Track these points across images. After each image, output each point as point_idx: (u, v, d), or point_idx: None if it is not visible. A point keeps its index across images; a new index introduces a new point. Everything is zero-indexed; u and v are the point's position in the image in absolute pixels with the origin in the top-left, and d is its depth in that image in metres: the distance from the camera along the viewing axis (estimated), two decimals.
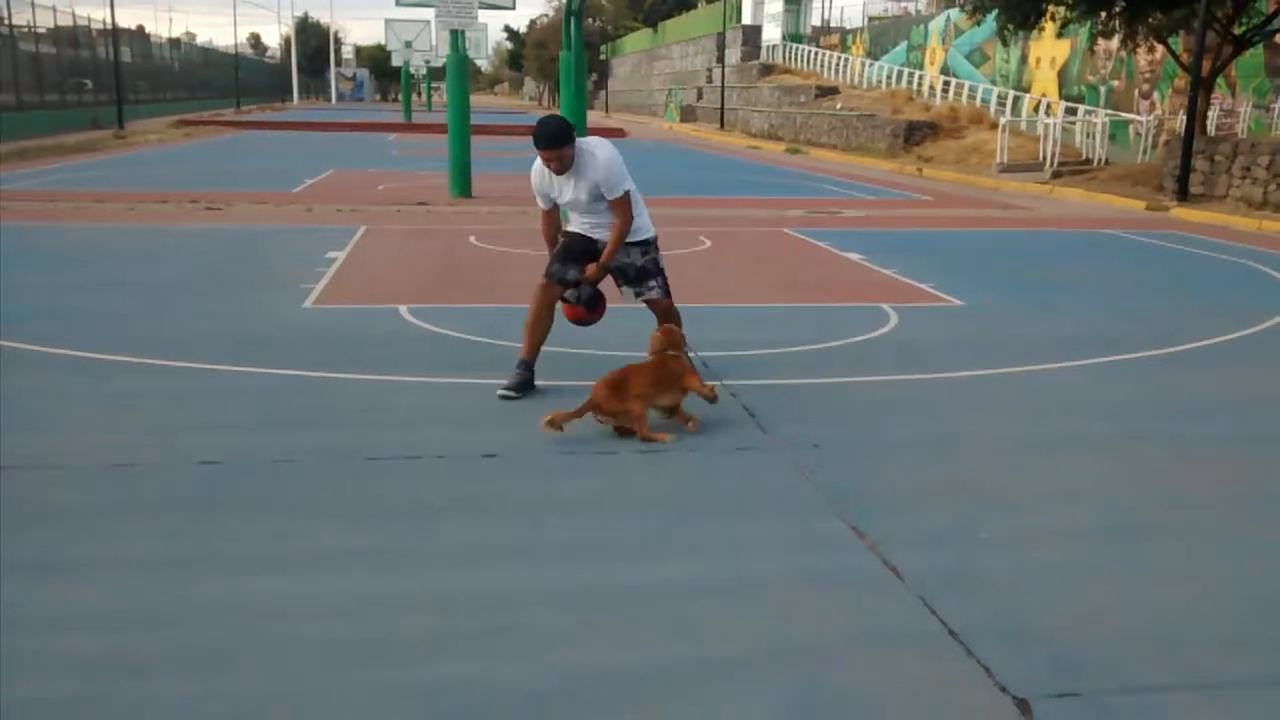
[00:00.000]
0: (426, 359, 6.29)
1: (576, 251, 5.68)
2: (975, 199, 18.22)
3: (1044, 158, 21.61)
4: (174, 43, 54.80)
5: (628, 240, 5.64)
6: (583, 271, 5.66)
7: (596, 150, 5.49)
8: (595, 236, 5.69)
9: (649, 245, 5.76)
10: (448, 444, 4.83)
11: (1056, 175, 20.73)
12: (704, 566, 3.67)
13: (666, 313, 5.78)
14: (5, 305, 7.45)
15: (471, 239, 11.08)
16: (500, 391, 5.52)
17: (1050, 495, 4.46)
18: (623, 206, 5.54)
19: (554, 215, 5.81)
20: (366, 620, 3.23)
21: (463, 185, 15.30)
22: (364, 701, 2.81)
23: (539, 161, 5.54)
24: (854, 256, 10.84)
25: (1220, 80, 18.80)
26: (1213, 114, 19.13)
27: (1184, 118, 17.20)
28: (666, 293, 5.80)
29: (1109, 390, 6.16)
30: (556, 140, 5.38)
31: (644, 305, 5.89)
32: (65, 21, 33.00)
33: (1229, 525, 4.19)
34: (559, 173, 5.48)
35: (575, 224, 5.77)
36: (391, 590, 3.43)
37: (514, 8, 16.52)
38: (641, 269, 5.73)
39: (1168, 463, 4.91)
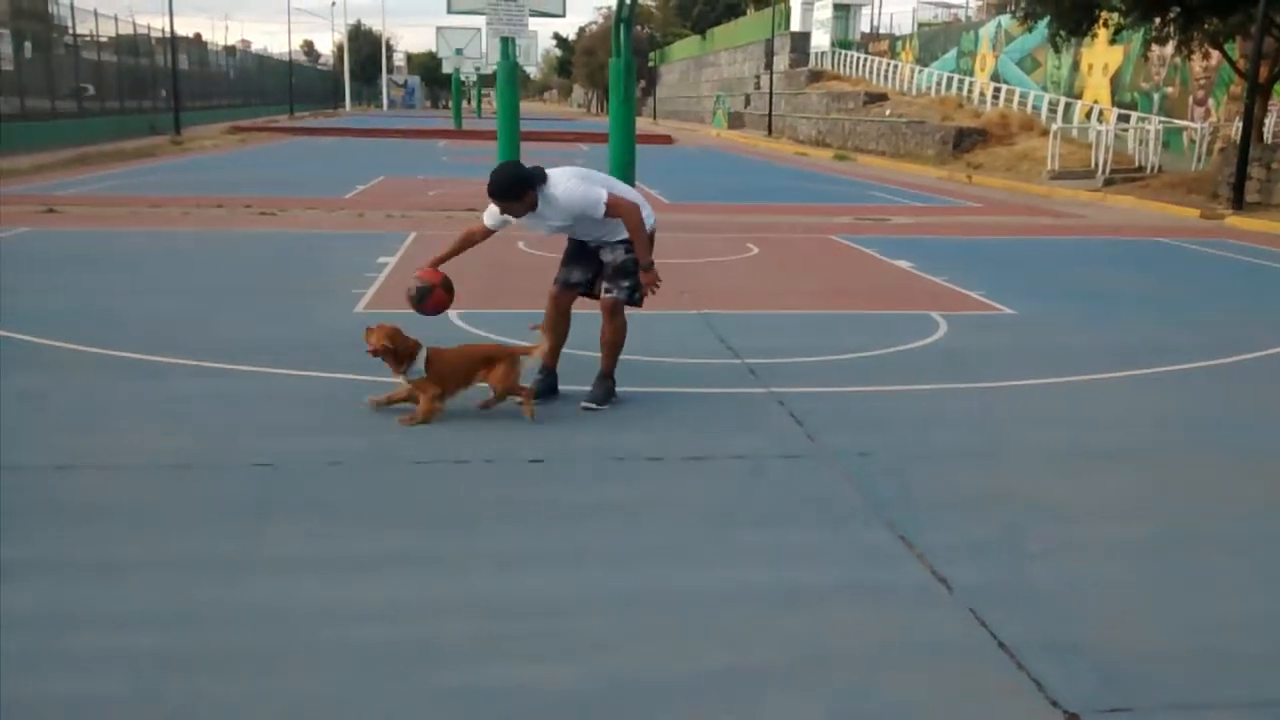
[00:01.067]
0: None
1: (577, 254, 5.61)
2: (1026, 206, 18.02)
3: (1096, 165, 21.33)
4: (230, 50, 55.73)
5: (610, 240, 5.47)
6: (586, 273, 5.56)
7: (555, 190, 5.24)
8: (593, 245, 5.55)
9: (630, 243, 5.45)
10: (495, 448, 4.87)
11: (1109, 183, 20.46)
12: (749, 574, 3.67)
13: (613, 315, 5.53)
14: (64, 307, 7.62)
15: (520, 245, 11.14)
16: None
17: (1101, 507, 4.40)
18: (615, 208, 5.28)
19: (487, 234, 5.56)
20: (411, 623, 3.26)
21: None
22: (407, 704, 2.84)
23: None
24: (903, 264, 10.77)
25: (1277, 87, 18.45)
26: (1270, 121, 18.79)
27: (1240, 124, 16.91)
28: (630, 299, 5.54)
29: (1161, 401, 6.07)
30: (508, 193, 5.21)
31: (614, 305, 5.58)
32: (126, 30, 33.69)
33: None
34: (519, 215, 5.32)
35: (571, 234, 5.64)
36: (436, 594, 3.46)
37: (564, 15, 16.65)
38: (619, 266, 5.49)
39: (1220, 475, 4.82)
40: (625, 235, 5.44)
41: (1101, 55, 25.54)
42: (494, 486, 4.44)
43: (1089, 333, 7.75)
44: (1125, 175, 20.91)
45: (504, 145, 15.57)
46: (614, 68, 13.58)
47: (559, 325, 5.66)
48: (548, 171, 5.34)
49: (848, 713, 2.85)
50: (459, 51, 43.51)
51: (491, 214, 5.46)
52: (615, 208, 5.29)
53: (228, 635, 3.16)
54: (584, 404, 5.48)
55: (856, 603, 3.48)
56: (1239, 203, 16.37)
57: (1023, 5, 20.63)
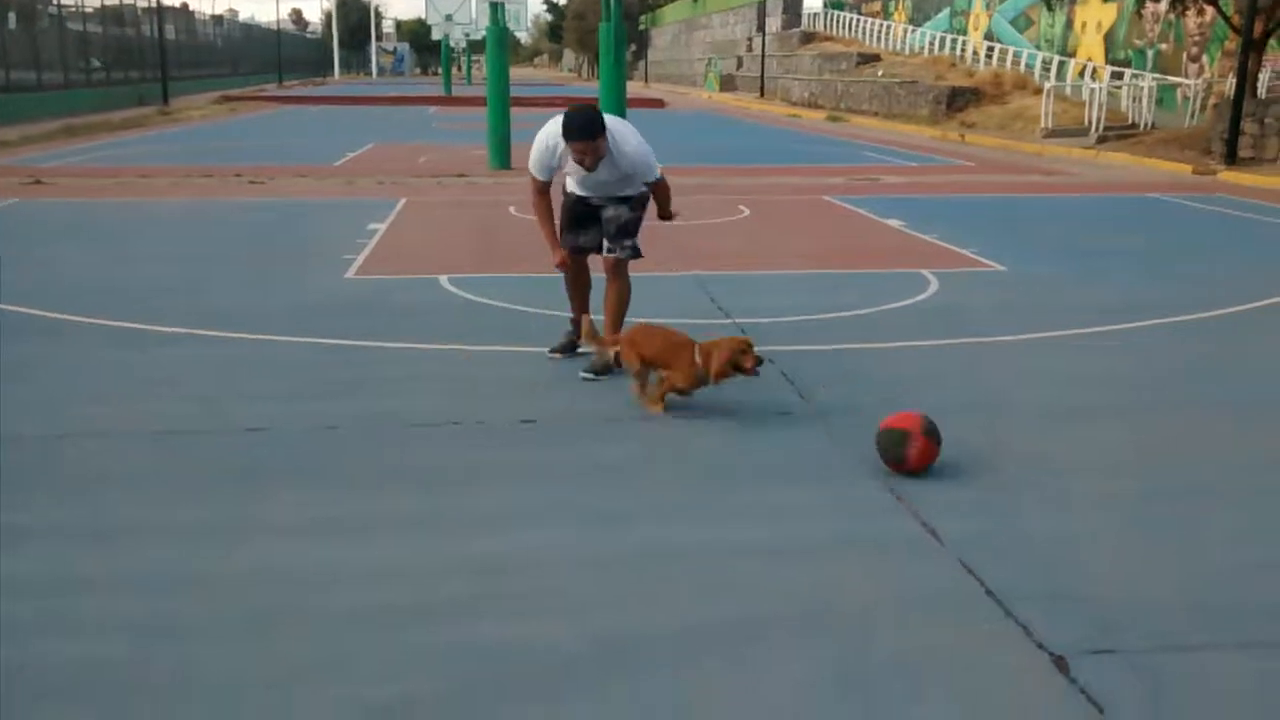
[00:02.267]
0: (467, 328, 6.34)
1: (581, 216, 5.49)
2: (1019, 165, 17.97)
3: (1089, 123, 21.23)
4: (217, 19, 55.11)
5: (618, 194, 5.39)
6: (592, 234, 5.47)
7: (625, 144, 5.19)
8: (596, 202, 5.44)
9: (637, 202, 5.46)
10: (488, 411, 4.88)
11: (1102, 140, 20.38)
12: (741, 530, 3.69)
13: (618, 274, 5.49)
14: (56, 278, 7.60)
15: (511, 209, 11.13)
16: (549, 353, 5.71)
17: (1092, 459, 4.42)
18: (661, 186, 5.39)
19: (549, 189, 5.46)
20: (405, 584, 3.28)
21: (502, 157, 15.32)
22: (401, 663, 2.86)
23: (550, 134, 5.21)
24: (894, 223, 10.75)
25: (1273, 42, 18.33)
26: (1264, 76, 18.67)
27: (1234, 80, 16.82)
28: (635, 255, 5.51)
29: (1153, 354, 6.08)
30: (591, 130, 5.04)
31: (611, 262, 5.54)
32: (112, 0, 33.34)
33: (1274, 488, 4.14)
34: (592, 167, 5.17)
35: (575, 187, 5.48)
36: (430, 555, 3.48)
37: None
38: (623, 225, 5.44)
39: (1213, 427, 4.85)
40: (632, 192, 5.40)
41: (1095, 12, 25.35)
42: (487, 448, 4.45)
43: (1081, 288, 7.75)
44: (1119, 132, 20.82)
45: (494, 111, 15.47)
46: (604, 32, 13.45)
47: (578, 286, 5.63)
48: (605, 119, 5.21)
49: (838, 662, 2.88)
50: (448, 17, 43.13)
51: (540, 166, 5.30)
52: (663, 185, 5.38)
53: (224, 599, 3.18)
54: (583, 374, 5.41)
55: (849, 556, 3.51)
56: (1232, 158, 16.31)
57: None
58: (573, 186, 5.53)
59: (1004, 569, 3.39)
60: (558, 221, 5.55)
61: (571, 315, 5.71)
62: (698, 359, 4.75)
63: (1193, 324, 6.73)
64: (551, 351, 5.72)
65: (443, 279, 7.65)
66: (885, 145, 21.76)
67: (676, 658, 2.90)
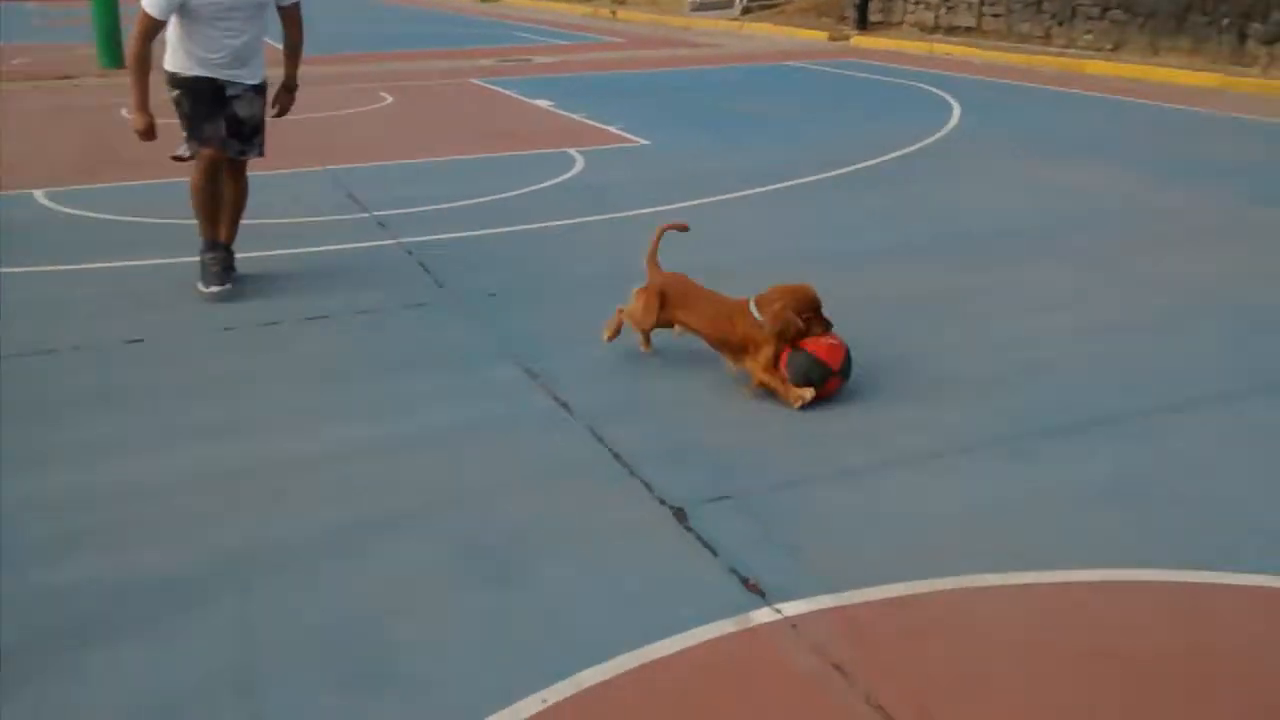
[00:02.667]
0: (65, 246, 5.68)
1: (213, 104, 4.83)
2: (667, 39, 18.30)
3: None
4: None
5: (250, 83, 4.88)
6: (230, 128, 4.85)
7: None
8: (233, 90, 4.82)
9: (265, 91, 5.03)
10: (86, 334, 4.39)
11: (746, 11, 21.10)
12: (371, 428, 3.54)
13: (244, 174, 5.06)
14: None
15: (123, 112, 10.00)
16: (211, 289, 4.85)
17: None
18: (300, 18, 5.00)
19: (159, 28, 4.65)
20: None
21: (112, 55, 13.78)
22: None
23: None
24: (542, 103, 10.64)
25: None
26: None
27: None
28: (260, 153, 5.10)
29: (779, 214, 6.38)
30: None
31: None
32: None
33: (880, 332, 4.44)
34: None
35: (197, 60, 4.71)
36: (18, 493, 3.10)
37: None
38: (259, 123, 4.97)
39: (826, 277, 5.12)
40: (262, 79, 4.90)
41: None
42: (84, 374, 4.02)
43: (719, 157, 7.99)
44: (762, 3, 21.61)
45: (99, 4, 13.85)
46: None
47: (219, 193, 4.93)
48: None
49: (471, 543, 2.83)
50: None
51: (156, 3, 4.53)
52: (300, 16, 5.02)
53: None
54: (211, 289, 4.83)
55: (480, 438, 3.45)
56: (863, 23, 17.34)
57: None
58: (193, 65, 4.72)
59: (631, 433, 3.44)
60: (186, 111, 4.79)
61: (208, 235, 4.99)
62: (754, 313, 3.76)
63: (818, 183, 7.10)
64: (221, 286, 4.90)
65: (38, 194, 6.79)
66: (537, 25, 21.51)
67: (293, 565, 2.74)
